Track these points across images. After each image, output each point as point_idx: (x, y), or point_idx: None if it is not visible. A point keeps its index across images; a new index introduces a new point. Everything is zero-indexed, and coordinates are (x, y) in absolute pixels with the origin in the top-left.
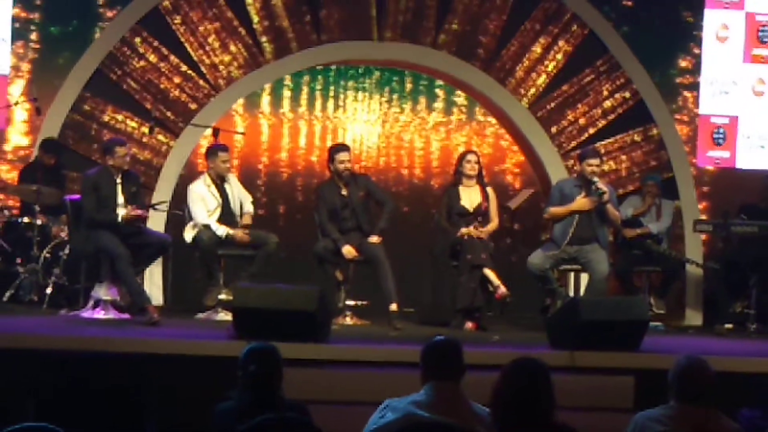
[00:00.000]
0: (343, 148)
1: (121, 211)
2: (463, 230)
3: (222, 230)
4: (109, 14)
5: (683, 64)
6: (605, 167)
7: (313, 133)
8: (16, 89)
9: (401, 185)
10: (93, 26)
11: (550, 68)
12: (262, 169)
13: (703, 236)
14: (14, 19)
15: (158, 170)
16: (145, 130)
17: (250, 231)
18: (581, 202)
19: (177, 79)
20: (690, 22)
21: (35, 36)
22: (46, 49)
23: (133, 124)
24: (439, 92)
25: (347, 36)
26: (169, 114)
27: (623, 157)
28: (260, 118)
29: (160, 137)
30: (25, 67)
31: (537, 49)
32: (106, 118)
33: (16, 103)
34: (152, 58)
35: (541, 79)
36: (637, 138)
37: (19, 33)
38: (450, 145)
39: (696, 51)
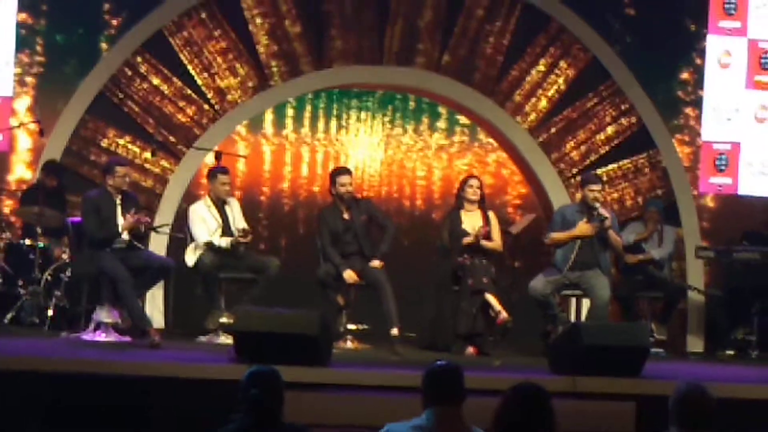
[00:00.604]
0: (344, 171)
1: (123, 236)
2: (468, 239)
3: (225, 241)
4: (114, 22)
5: (685, 76)
6: (614, 195)
7: (315, 157)
8: (20, 108)
9: (402, 215)
10: (98, 36)
11: (551, 93)
12: (264, 197)
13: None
14: (19, 26)
15: (160, 194)
16: (147, 155)
17: (251, 256)
18: (583, 227)
19: (180, 103)
20: (693, 30)
21: (39, 51)
22: (49, 67)
23: (136, 148)
24: (442, 112)
25: (350, 60)
26: (171, 137)
27: (626, 184)
28: (262, 141)
29: (163, 162)
30: (28, 87)
31: (539, 73)
32: (107, 142)
33: (20, 125)
34: (155, 80)
35: (543, 104)
36: (640, 164)
37: (24, 43)
38: (452, 173)
39: (699, 62)
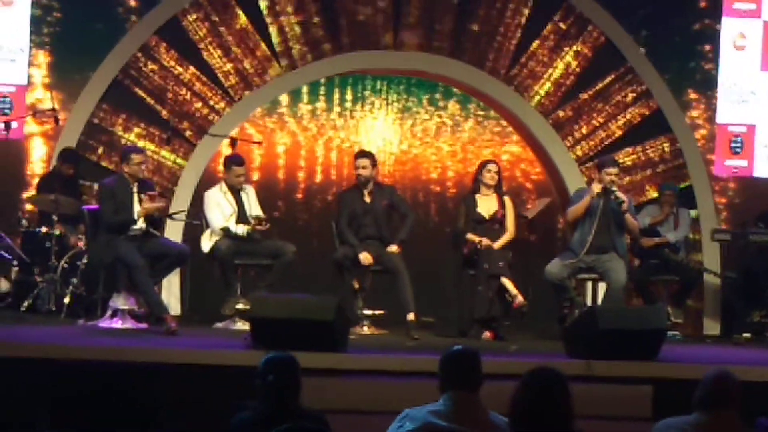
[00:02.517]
0: (364, 154)
1: (139, 224)
2: (470, 236)
3: (241, 228)
4: (132, 4)
5: (700, 59)
6: (629, 178)
7: (330, 143)
8: (34, 97)
9: (419, 196)
10: (113, 24)
11: (566, 77)
12: (280, 182)
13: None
14: (33, 21)
15: (176, 180)
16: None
17: (267, 242)
18: (593, 189)
19: (195, 89)
20: (708, 12)
21: (53, 38)
22: (64, 54)
23: (151, 133)
24: (458, 96)
25: (364, 45)
26: (186, 123)
27: (641, 167)
28: (278, 127)
29: (178, 148)
30: (43, 75)
31: (554, 57)
32: (123, 128)
33: (35, 113)
34: (170, 67)
35: (558, 88)
36: (655, 147)
37: (38, 31)
38: (469, 158)
39: (709, 49)
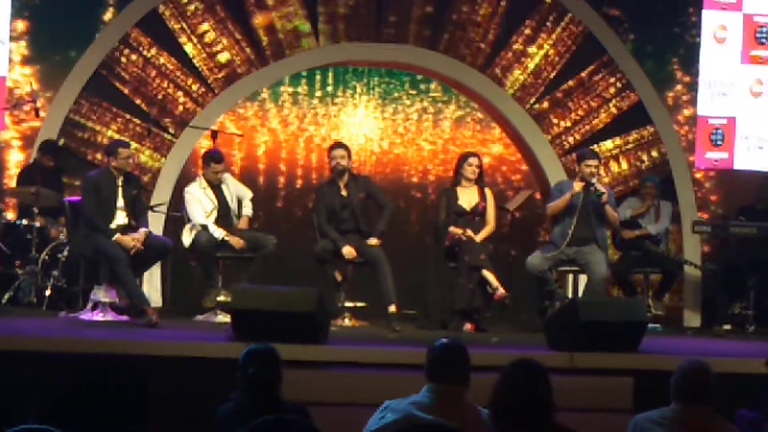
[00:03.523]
0: (339, 145)
1: (121, 218)
2: (452, 229)
3: (219, 233)
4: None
5: (680, 51)
6: (611, 169)
7: (311, 135)
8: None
9: (400, 188)
10: (94, 15)
11: (547, 68)
12: (260, 175)
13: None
14: (13, 5)
15: (156, 172)
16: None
17: (248, 234)
18: (575, 187)
19: (175, 81)
20: (688, 4)
21: (34, 30)
22: (44, 46)
23: (132, 125)
24: (439, 88)
25: (347, 37)
26: (167, 116)
27: (622, 159)
28: (259, 119)
29: (159, 140)
30: (23, 66)
31: (534, 49)
32: (104, 120)
33: (15, 105)
34: (151, 59)
35: (538, 80)
36: (636, 139)
37: (18, 22)
38: (450, 150)
39: (694, 37)
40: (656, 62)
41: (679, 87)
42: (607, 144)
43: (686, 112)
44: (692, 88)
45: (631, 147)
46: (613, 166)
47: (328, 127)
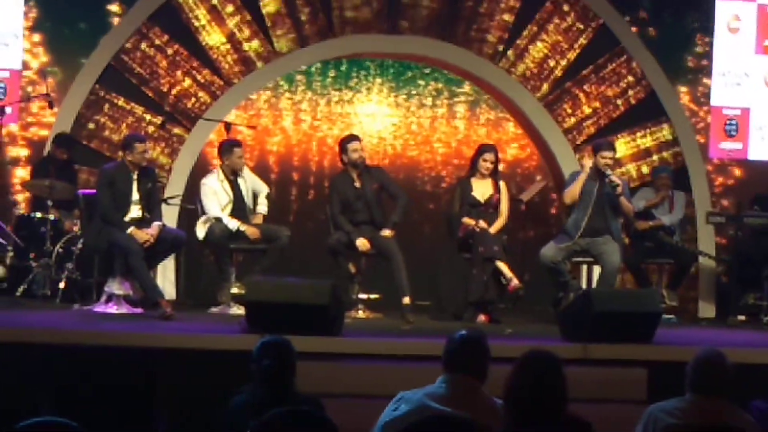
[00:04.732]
0: (354, 138)
1: (135, 212)
2: (465, 220)
3: (234, 224)
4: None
5: (695, 41)
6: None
7: (325, 127)
8: (29, 81)
9: (414, 185)
10: (109, 16)
11: (561, 60)
12: (274, 166)
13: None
14: (26, 12)
15: (171, 165)
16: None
17: (262, 226)
18: (586, 165)
19: (189, 73)
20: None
21: (48, 23)
22: (58, 40)
23: (146, 117)
24: (453, 80)
25: (360, 29)
26: (180, 108)
27: (636, 150)
28: (273, 112)
29: (173, 132)
30: (38, 60)
31: (548, 40)
32: (118, 113)
33: (29, 99)
34: (164, 52)
35: (553, 72)
36: (650, 130)
37: (32, 15)
38: (463, 142)
39: (708, 27)
40: (670, 53)
41: (693, 77)
42: (621, 134)
43: (702, 102)
44: (706, 78)
45: (644, 137)
46: (626, 157)
47: (341, 122)
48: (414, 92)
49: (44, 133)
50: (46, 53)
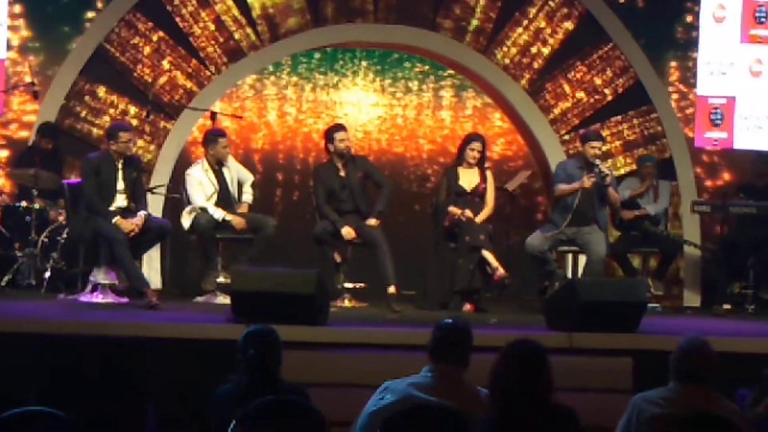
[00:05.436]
0: (341, 127)
1: (120, 201)
2: (451, 209)
3: (219, 214)
4: None
5: (680, 30)
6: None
7: (310, 116)
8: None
9: (399, 169)
10: (93, 4)
11: (546, 49)
12: (258, 156)
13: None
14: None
15: (156, 154)
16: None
17: (248, 215)
18: (586, 182)
19: (174, 63)
20: None
21: (32, 12)
22: (43, 29)
23: (131, 108)
24: (438, 70)
25: (343, 18)
26: (166, 97)
27: (621, 139)
28: (258, 101)
29: (158, 122)
30: (22, 49)
31: (534, 30)
32: (102, 103)
33: (14, 87)
34: (149, 41)
35: (538, 61)
36: (635, 119)
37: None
38: (449, 131)
39: (693, 16)
40: (655, 42)
41: (677, 66)
42: (606, 123)
43: (685, 91)
44: (691, 67)
45: (629, 127)
46: (611, 147)
47: (327, 114)
48: (400, 74)
49: (24, 134)
50: (27, 28)
